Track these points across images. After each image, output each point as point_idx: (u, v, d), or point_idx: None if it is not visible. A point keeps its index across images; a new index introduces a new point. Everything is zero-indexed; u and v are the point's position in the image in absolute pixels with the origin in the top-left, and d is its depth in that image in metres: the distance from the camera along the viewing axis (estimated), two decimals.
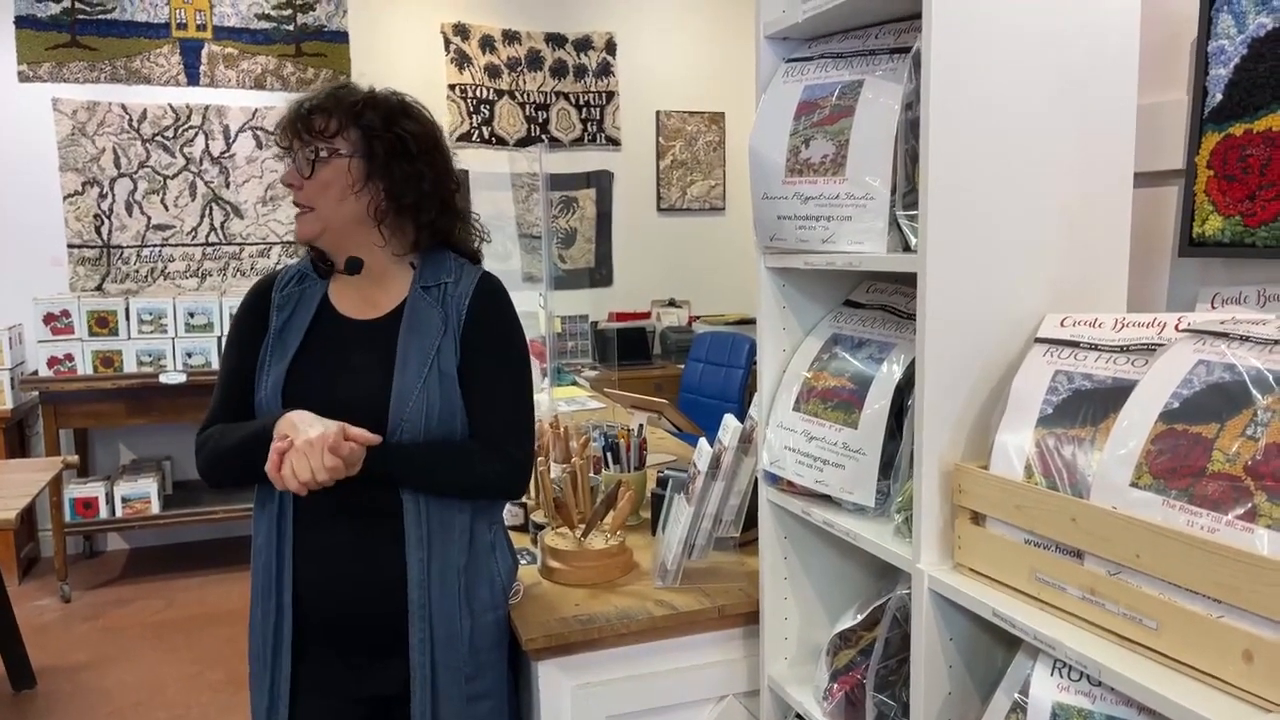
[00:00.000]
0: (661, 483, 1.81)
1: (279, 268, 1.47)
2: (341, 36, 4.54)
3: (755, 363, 4.73)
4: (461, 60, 4.78)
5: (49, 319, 3.96)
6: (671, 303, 5.18)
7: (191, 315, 4.09)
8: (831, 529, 1.28)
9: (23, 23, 4.09)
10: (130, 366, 4.01)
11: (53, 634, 3.48)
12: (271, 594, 1.34)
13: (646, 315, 5.10)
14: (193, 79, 4.35)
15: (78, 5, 4.15)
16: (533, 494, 1.98)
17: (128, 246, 4.33)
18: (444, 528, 1.34)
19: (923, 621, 1.09)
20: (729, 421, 1.54)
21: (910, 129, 1.18)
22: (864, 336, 1.34)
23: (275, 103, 4.42)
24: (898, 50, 1.23)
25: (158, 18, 4.27)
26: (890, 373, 1.25)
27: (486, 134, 4.86)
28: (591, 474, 1.88)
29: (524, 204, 4.61)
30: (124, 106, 4.25)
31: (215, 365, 4.02)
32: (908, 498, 1.16)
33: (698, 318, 5.13)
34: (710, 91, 5.24)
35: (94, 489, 3.96)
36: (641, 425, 2.03)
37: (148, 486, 4.00)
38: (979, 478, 1.04)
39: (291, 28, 4.47)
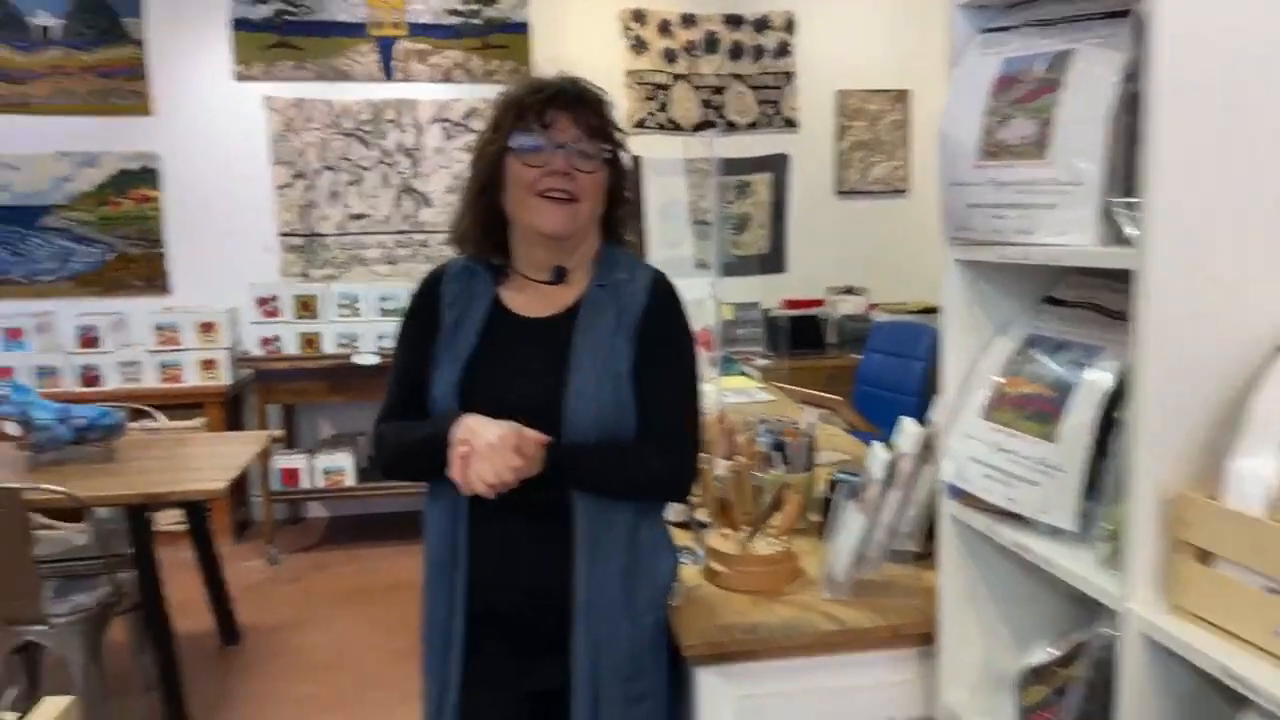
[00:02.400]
0: (833, 486, 1.72)
1: (448, 260, 1.48)
2: (523, 28, 4.64)
3: (937, 355, 4.45)
4: (639, 46, 4.78)
5: (261, 302, 4.30)
6: (848, 290, 4.98)
7: (383, 300, 4.33)
8: (1023, 554, 1.16)
9: (239, 25, 4.43)
10: (329, 347, 4.29)
11: (259, 594, 3.79)
12: (444, 588, 1.36)
13: (820, 303, 4.94)
14: (388, 74, 4.58)
15: (285, 8, 4.46)
16: (696, 490, 1.93)
17: (329, 235, 4.63)
18: (608, 527, 1.33)
19: (1133, 671, 0.96)
20: (907, 426, 1.42)
21: (1129, 104, 1.03)
22: (1066, 338, 1.19)
23: (461, 95, 4.58)
24: (1115, 14, 1.08)
25: (356, 17, 4.51)
26: (1097, 380, 1.11)
27: (662, 120, 4.84)
28: (756, 473, 1.80)
29: (697, 190, 4.56)
30: (328, 103, 4.54)
31: None
32: (1117, 525, 1.03)
33: (876, 305, 4.91)
34: (895, 69, 4.99)
35: (297, 460, 4.27)
36: (812, 424, 1.93)
37: (344, 460, 4.27)
38: (1208, 510, 0.89)
39: (478, 21, 4.61)
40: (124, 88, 4.40)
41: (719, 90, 4.89)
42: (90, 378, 4.16)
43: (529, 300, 1.40)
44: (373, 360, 4.18)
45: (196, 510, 3.22)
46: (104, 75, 4.37)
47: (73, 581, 2.62)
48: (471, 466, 1.20)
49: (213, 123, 4.48)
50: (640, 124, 4.80)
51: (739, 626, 1.41)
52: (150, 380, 4.21)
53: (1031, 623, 1.34)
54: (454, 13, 4.59)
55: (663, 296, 1.39)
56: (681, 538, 1.74)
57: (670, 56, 4.82)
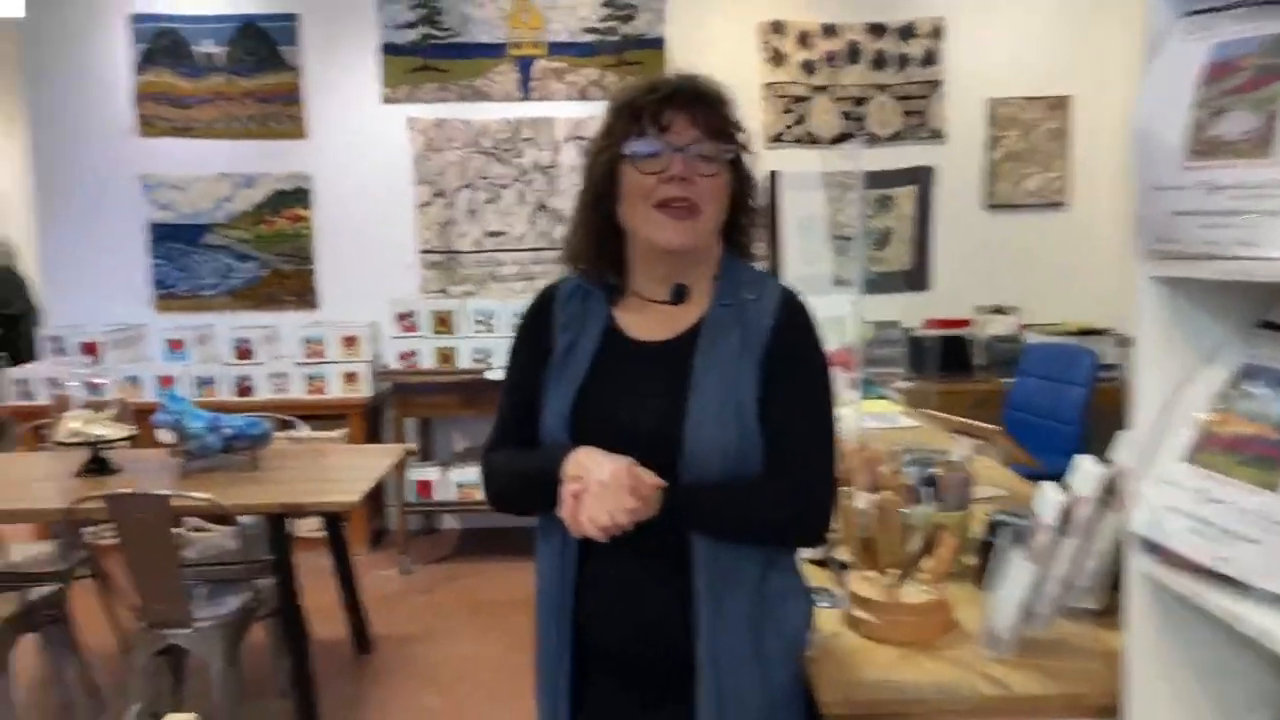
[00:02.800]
0: (992, 528, 1.55)
1: (560, 280, 1.40)
2: (658, 43, 4.60)
3: (1099, 381, 4.11)
4: (777, 58, 4.66)
5: (400, 318, 4.41)
6: (998, 309, 4.68)
7: (517, 316, 4.33)
8: (1235, 624, 0.97)
9: (387, 49, 4.58)
10: (464, 362, 4.35)
11: (392, 603, 3.85)
12: (554, 628, 1.28)
13: (967, 323, 4.66)
14: (525, 94, 4.63)
15: (430, 32, 4.58)
16: (836, 525, 1.79)
17: (467, 252, 4.71)
18: (734, 572, 1.21)
19: None
20: (1085, 465, 1.25)
21: None
22: None
23: (596, 112, 4.56)
24: None
25: (497, 38, 4.59)
26: None
27: (800, 134, 4.70)
28: (904, 509, 1.65)
29: (836, 204, 4.39)
30: (467, 123, 4.63)
31: None
32: None
33: (1029, 326, 4.59)
34: (1053, 74, 4.68)
35: (432, 473, 4.34)
36: (967, 456, 1.76)
37: (476, 474, 4.28)
38: None
39: (615, 38, 4.61)
40: (281, 112, 4.62)
41: (860, 101, 4.71)
42: (244, 388, 4.36)
43: (646, 322, 1.30)
44: (503, 376, 4.20)
45: (334, 519, 3.29)
46: (262, 100, 4.60)
47: (223, 585, 2.71)
48: (583, 507, 1.11)
49: (360, 144, 4.64)
50: (777, 138, 4.68)
51: (885, 684, 1.27)
52: (297, 391, 4.37)
53: (1241, 701, 1.14)
54: (591, 30, 4.61)
55: (793, 316, 1.26)
56: (819, 577, 1.61)
57: (809, 68, 4.68)
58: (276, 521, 2.69)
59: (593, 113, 4.58)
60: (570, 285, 1.35)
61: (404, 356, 4.39)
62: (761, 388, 1.21)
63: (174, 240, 4.64)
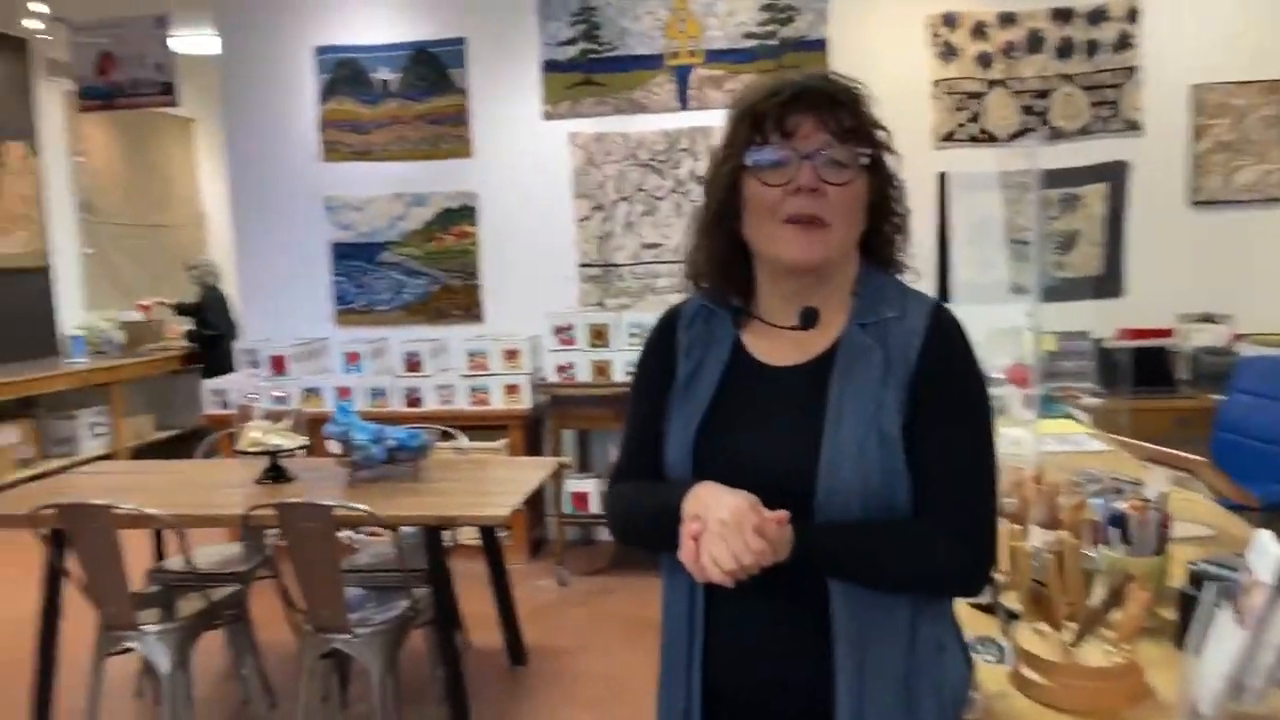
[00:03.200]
0: (1195, 579, 1.33)
1: (682, 301, 1.31)
2: (819, 44, 4.44)
3: None
4: (948, 53, 4.39)
5: (558, 331, 4.46)
6: (1206, 317, 4.20)
7: None
8: None
9: (548, 67, 4.67)
10: (619, 376, 4.34)
11: (548, 615, 3.88)
12: (681, 674, 1.19)
13: (1169, 333, 4.20)
14: (683, 104, 4.59)
15: (590, 47, 4.62)
16: (1005, 566, 1.61)
17: (623, 264, 4.71)
18: (880, 624, 1.08)
19: None
20: None
21: None
22: None
23: None
24: None
25: (654, 49, 4.58)
26: None
27: (974, 131, 4.41)
28: (1087, 550, 1.45)
29: (1015, 206, 4.08)
30: (625, 135, 4.64)
31: None
32: None
33: (1243, 336, 4.09)
34: (1268, 56, 4.17)
35: (588, 485, 4.36)
36: (1164, 494, 1.53)
37: None
38: None
39: (774, 42, 4.49)
40: (449, 133, 4.79)
41: (1043, 94, 4.36)
42: (413, 399, 4.54)
43: (775, 345, 1.18)
44: None
45: (489, 529, 3.35)
46: (433, 122, 4.79)
47: (389, 592, 2.80)
48: (704, 548, 1.01)
49: (523, 161, 4.74)
50: (948, 137, 4.40)
51: None
52: (462, 403, 4.51)
53: None
54: (750, 35, 4.51)
55: (944, 334, 1.11)
56: (982, 625, 1.44)
57: (985, 61, 4.38)
58: (433, 532, 2.75)
59: None
60: (693, 306, 1.26)
61: (561, 369, 4.43)
62: (908, 416, 1.08)
63: (353, 258, 4.90)
